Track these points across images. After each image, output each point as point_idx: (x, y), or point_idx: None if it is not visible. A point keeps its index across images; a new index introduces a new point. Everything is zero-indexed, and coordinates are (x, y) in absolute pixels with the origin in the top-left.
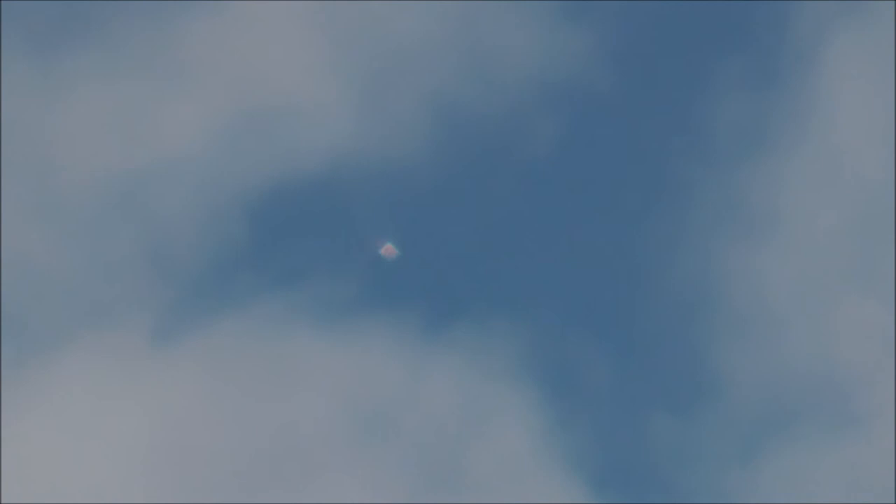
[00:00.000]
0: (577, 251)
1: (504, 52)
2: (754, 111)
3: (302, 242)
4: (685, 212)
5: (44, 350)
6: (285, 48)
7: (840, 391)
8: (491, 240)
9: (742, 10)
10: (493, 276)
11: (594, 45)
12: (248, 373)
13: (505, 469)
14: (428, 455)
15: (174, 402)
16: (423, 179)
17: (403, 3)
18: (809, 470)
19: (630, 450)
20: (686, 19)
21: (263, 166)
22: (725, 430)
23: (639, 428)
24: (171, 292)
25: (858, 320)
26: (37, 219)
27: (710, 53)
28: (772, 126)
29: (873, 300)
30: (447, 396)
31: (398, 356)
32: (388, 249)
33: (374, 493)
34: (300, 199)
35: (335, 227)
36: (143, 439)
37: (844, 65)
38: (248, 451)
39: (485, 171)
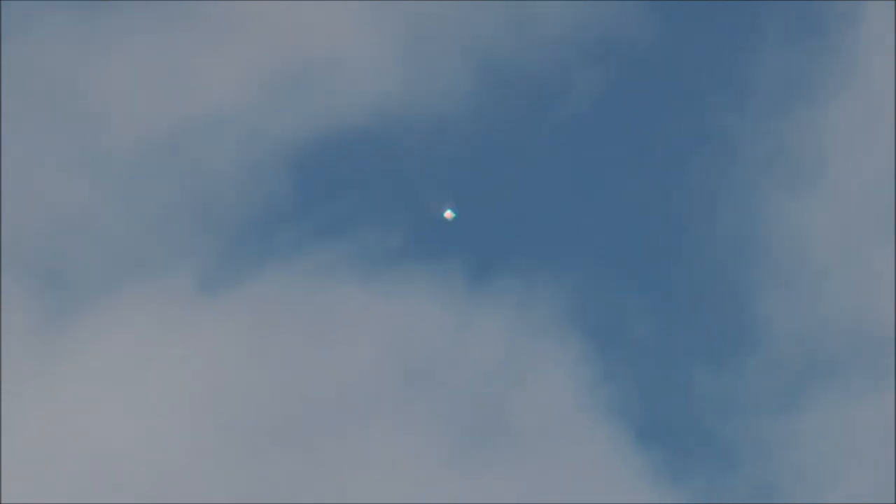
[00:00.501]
0: (620, 204)
1: (545, 6)
2: (797, 63)
3: (346, 195)
4: (728, 163)
5: (90, 301)
6: (329, 3)
7: (880, 341)
8: (534, 193)
9: None
10: (536, 229)
11: None
12: (293, 323)
13: (548, 420)
14: (472, 406)
15: (219, 351)
16: (466, 133)
17: None
18: (849, 419)
19: (672, 400)
20: None
21: (307, 120)
22: (766, 380)
23: (681, 378)
24: (217, 244)
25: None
26: (83, 172)
27: (751, 6)
28: (814, 77)
29: None
30: (491, 348)
31: (443, 308)
32: (447, 213)
33: (418, 443)
34: (343, 152)
35: (379, 180)
36: (189, 388)
37: (887, 15)
38: (292, 400)
39: (527, 124)
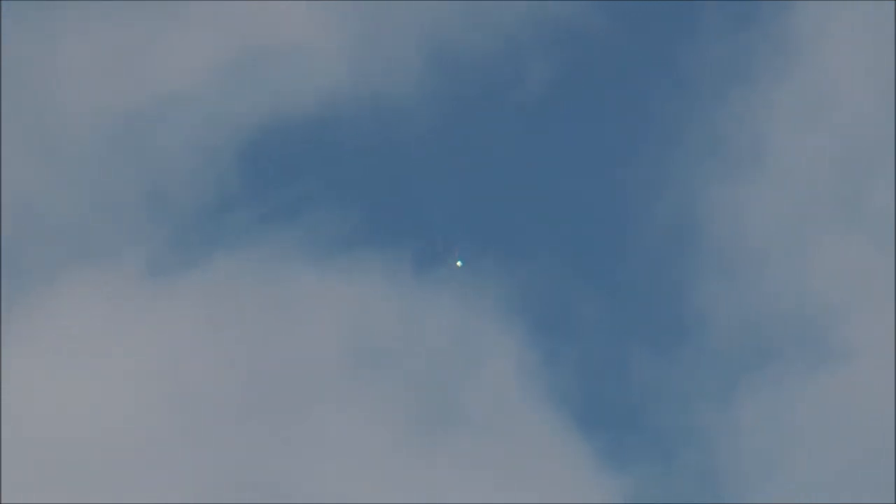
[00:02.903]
0: (564, 191)
1: None
2: (735, 50)
3: (297, 181)
4: (670, 150)
5: (40, 285)
6: None
7: (818, 327)
8: (482, 180)
9: None
10: (482, 216)
11: None
12: (244, 308)
13: (494, 405)
14: (420, 389)
15: (171, 336)
16: (416, 120)
17: None
18: (788, 406)
19: (613, 386)
20: None
21: (259, 105)
22: (706, 367)
23: (622, 365)
24: (168, 228)
25: (838, 256)
26: (33, 156)
27: None
28: (752, 64)
29: (853, 235)
30: (439, 332)
31: (391, 293)
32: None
33: (367, 425)
34: (295, 138)
35: (329, 166)
36: (140, 373)
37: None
38: (243, 384)
39: (477, 111)
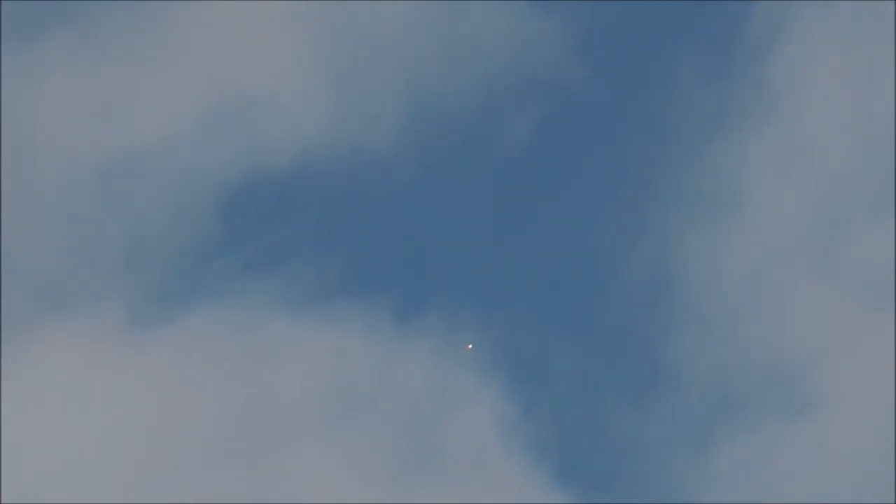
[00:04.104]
0: (544, 242)
1: (478, 47)
2: (713, 102)
3: (277, 231)
4: (648, 202)
5: (20, 335)
6: (263, 39)
7: (793, 378)
8: (461, 231)
9: (702, 2)
10: (462, 267)
11: (564, 39)
12: (224, 356)
13: (471, 454)
14: (398, 437)
15: (150, 385)
16: (395, 171)
17: None
18: (762, 457)
19: (590, 437)
20: (650, 14)
21: (239, 155)
22: (681, 418)
23: (598, 417)
24: (147, 279)
25: (812, 308)
26: (13, 206)
27: (672, 47)
28: (730, 116)
29: (828, 286)
30: (418, 382)
31: (371, 342)
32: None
33: (347, 471)
34: (275, 188)
35: (309, 216)
36: (119, 421)
37: (804, 52)
38: (224, 431)
39: (457, 163)
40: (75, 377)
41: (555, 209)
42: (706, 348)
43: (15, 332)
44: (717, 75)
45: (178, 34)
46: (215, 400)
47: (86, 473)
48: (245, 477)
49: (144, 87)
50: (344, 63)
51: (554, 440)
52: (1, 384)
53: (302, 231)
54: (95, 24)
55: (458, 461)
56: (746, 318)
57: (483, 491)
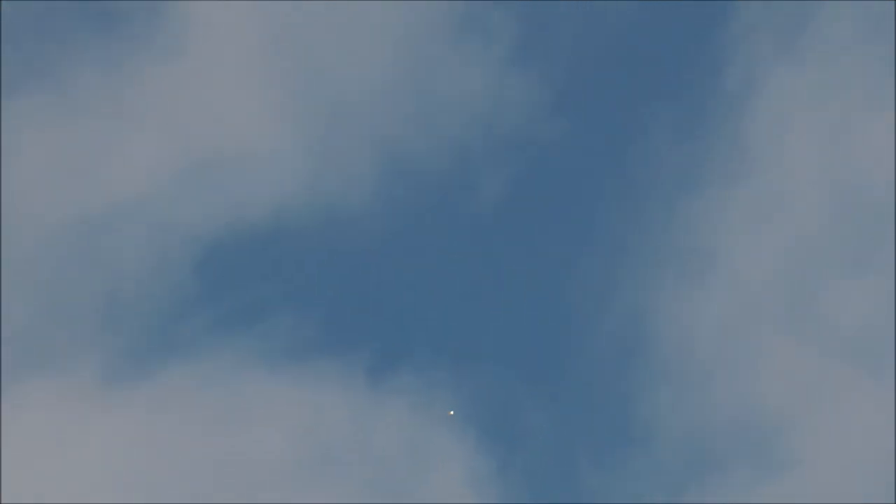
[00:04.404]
0: (518, 299)
1: (452, 104)
2: (685, 159)
3: (252, 288)
4: (621, 259)
5: None
6: (240, 98)
7: (765, 437)
8: (436, 288)
9: (676, 60)
10: (436, 325)
11: (538, 96)
12: (199, 413)
13: None
14: (373, 494)
15: (126, 442)
16: (371, 229)
17: (354, 55)
18: None
19: (563, 496)
20: (625, 71)
21: (215, 212)
22: (654, 476)
23: (571, 475)
24: (123, 336)
25: (785, 365)
26: None
27: (646, 103)
28: (703, 173)
29: (800, 343)
30: (392, 439)
31: (346, 399)
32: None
33: None
34: (250, 245)
35: (285, 274)
36: (94, 479)
37: (778, 109)
38: (198, 488)
39: (431, 219)
40: (52, 434)
41: (528, 265)
42: (679, 406)
43: None
44: (691, 132)
45: (156, 92)
46: (190, 456)
47: None
48: None
49: (121, 144)
50: (320, 121)
51: (527, 497)
52: None
53: (278, 288)
54: (72, 83)
55: None
56: (719, 375)
57: None
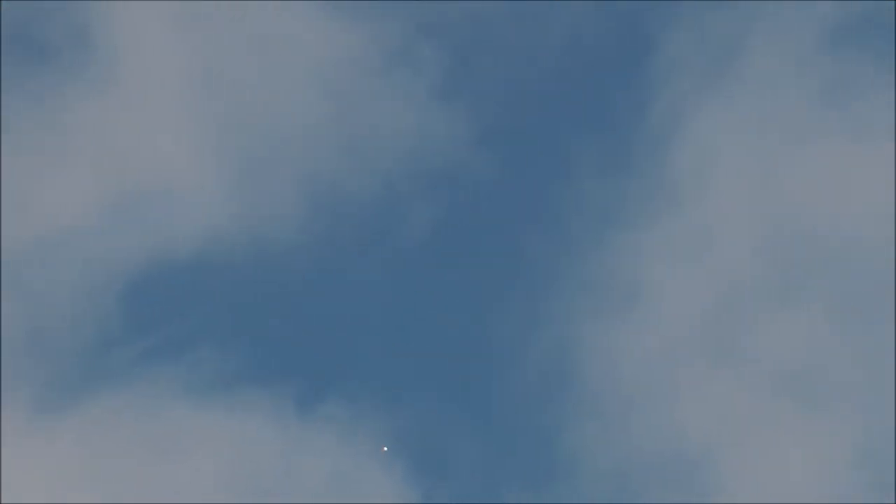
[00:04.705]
0: (443, 332)
1: (379, 138)
2: (610, 193)
3: (179, 320)
4: (545, 293)
5: None
6: (166, 131)
7: (690, 469)
8: (363, 320)
9: (601, 94)
10: (363, 357)
11: (464, 131)
12: (125, 445)
13: None
14: None
15: (52, 474)
16: (298, 260)
17: (281, 89)
18: None
19: None
20: (550, 106)
21: (141, 245)
22: None
23: None
24: (48, 368)
25: (709, 398)
26: None
27: (571, 138)
28: (628, 207)
29: (725, 377)
30: (320, 470)
31: (273, 431)
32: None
33: None
34: (177, 278)
35: (212, 306)
36: None
37: (704, 144)
38: None
39: (358, 253)
40: None
41: (455, 299)
42: (604, 438)
43: None
44: (615, 167)
45: (83, 125)
46: (117, 488)
47: None
48: None
49: (48, 177)
50: (245, 154)
51: None
52: None
53: (204, 320)
54: None
55: None
56: (644, 408)
57: None
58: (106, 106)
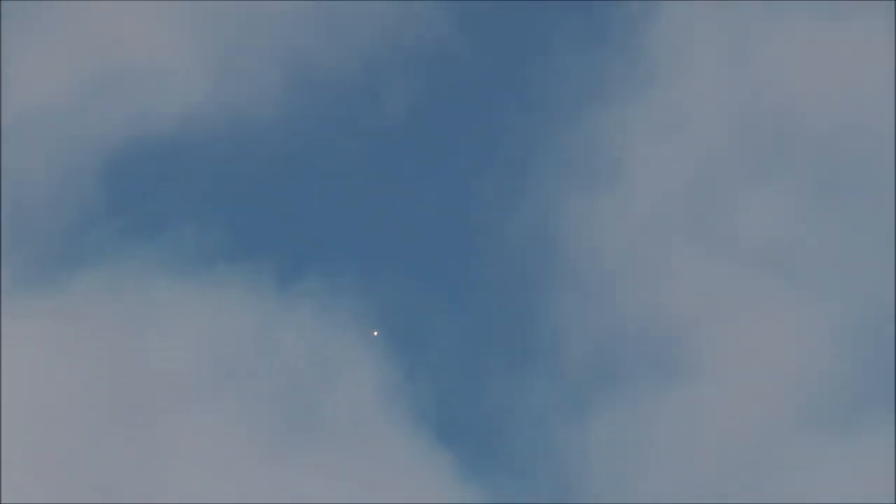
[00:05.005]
0: (424, 210)
1: (359, 16)
2: (592, 66)
3: (157, 198)
4: (526, 168)
5: None
6: (145, 8)
7: (670, 344)
8: (342, 197)
9: None
10: (343, 233)
11: (444, 8)
12: (106, 322)
13: (354, 417)
14: (280, 401)
15: (33, 352)
16: (277, 138)
17: None
18: (640, 422)
19: (469, 401)
20: None
21: (120, 123)
22: (559, 384)
23: (477, 383)
24: (29, 248)
25: (689, 274)
26: None
27: (549, 15)
28: (610, 80)
29: (705, 253)
30: (299, 346)
31: (252, 307)
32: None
33: (226, 433)
34: (155, 156)
35: (191, 182)
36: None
37: (682, 20)
38: (105, 395)
39: (337, 131)
40: None
41: (435, 175)
42: (584, 315)
43: None
44: (594, 43)
45: (58, 4)
46: (96, 365)
47: None
48: (127, 442)
49: (23, 58)
50: (224, 32)
51: (434, 402)
52: None
53: (183, 197)
54: None
55: (339, 425)
56: (625, 283)
57: (363, 454)
58: None
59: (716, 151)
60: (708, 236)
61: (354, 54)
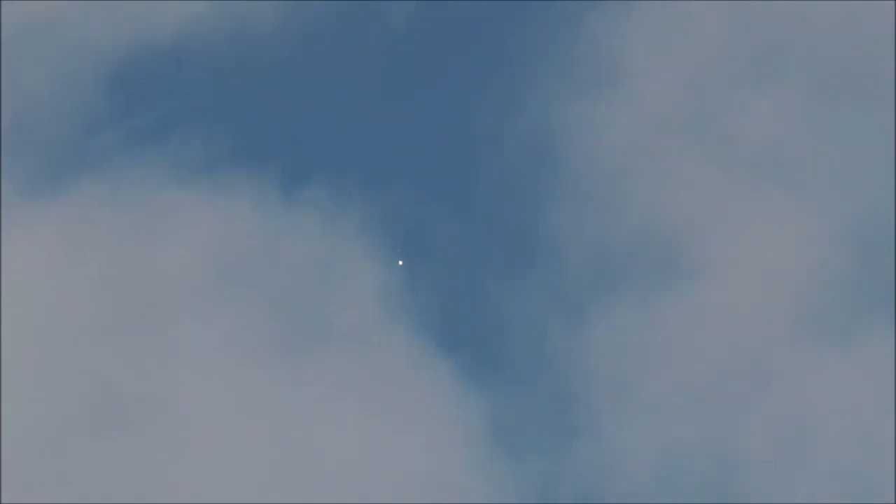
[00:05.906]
0: (425, 117)
1: None
2: None
3: (161, 105)
4: (526, 74)
5: None
6: None
7: (670, 247)
8: (345, 105)
9: None
10: (346, 140)
11: None
12: (110, 229)
13: (356, 324)
14: (284, 308)
15: (37, 258)
16: (280, 44)
17: None
18: (640, 325)
19: (470, 311)
20: None
21: (121, 32)
22: (560, 288)
23: (479, 289)
24: (32, 155)
25: (690, 176)
26: None
27: None
28: None
29: (705, 155)
30: (303, 253)
31: (257, 214)
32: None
33: (232, 343)
34: (159, 63)
35: (195, 88)
36: (5, 294)
37: None
38: (110, 303)
39: (340, 38)
40: None
41: (436, 83)
42: (585, 218)
43: None
44: None
45: None
46: (100, 272)
47: None
48: (131, 349)
49: None
50: None
51: (436, 310)
52: None
53: (188, 104)
54: None
55: (342, 331)
56: (625, 187)
57: (364, 361)
58: None
59: (718, 53)
60: (710, 139)
61: None
